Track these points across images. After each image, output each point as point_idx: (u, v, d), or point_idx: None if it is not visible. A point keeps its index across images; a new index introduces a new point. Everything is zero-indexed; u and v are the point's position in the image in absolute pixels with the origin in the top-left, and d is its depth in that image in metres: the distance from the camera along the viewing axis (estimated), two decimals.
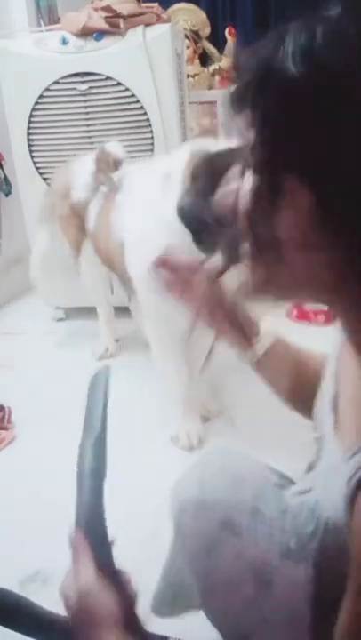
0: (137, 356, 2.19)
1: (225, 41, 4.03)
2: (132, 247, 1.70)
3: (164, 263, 0.85)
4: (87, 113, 2.39)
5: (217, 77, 3.83)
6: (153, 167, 1.70)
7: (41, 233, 2.34)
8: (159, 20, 2.34)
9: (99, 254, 2.01)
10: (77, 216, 2.07)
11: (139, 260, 1.62)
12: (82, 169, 2.07)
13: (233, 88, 0.53)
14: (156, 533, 1.35)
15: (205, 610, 0.83)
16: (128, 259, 1.72)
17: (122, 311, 2.37)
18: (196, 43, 3.74)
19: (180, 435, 1.75)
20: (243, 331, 0.87)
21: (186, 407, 1.79)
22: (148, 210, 1.58)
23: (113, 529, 0.77)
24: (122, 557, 0.74)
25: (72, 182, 2.08)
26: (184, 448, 1.73)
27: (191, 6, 3.79)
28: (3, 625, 0.74)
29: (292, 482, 0.81)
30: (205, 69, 3.83)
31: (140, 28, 2.28)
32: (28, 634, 0.75)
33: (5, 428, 1.89)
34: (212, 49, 4.00)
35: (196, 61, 3.75)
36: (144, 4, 2.39)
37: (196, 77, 3.64)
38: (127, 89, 2.31)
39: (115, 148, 2.06)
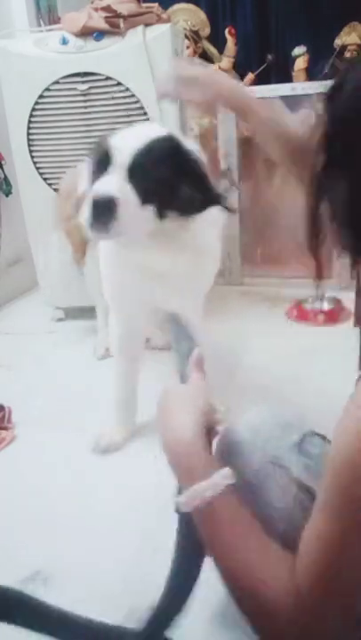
0: (101, 396, 2.13)
1: (225, 41, 4.04)
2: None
3: None
4: (87, 113, 2.39)
5: None
6: None
7: (53, 238, 2.36)
8: (159, 20, 2.34)
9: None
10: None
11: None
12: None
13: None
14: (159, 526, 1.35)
15: None
16: None
17: None
18: (196, 43, 3.74)
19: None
20: None
21: (117, 413, 1.82)
22: None
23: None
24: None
25: (78, 182, 2.08)
26: (89, 445, 1.74)
27: (191, 6, 3.79)
28: (9, 622, 0.74)
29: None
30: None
31: (140, 27, 2.28)
32: (35, 629, 0.75)
33: (5, 428, 1.89)
34: (212, 49, 4.00)
35: None
36: (144, 4, 2.39)
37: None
38: (127, 89, 2.31)
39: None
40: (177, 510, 0.74)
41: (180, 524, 0.84)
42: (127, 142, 1.30)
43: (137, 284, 1.55)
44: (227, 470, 0.72)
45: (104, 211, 1.25)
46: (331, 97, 0.72)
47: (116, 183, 1.27)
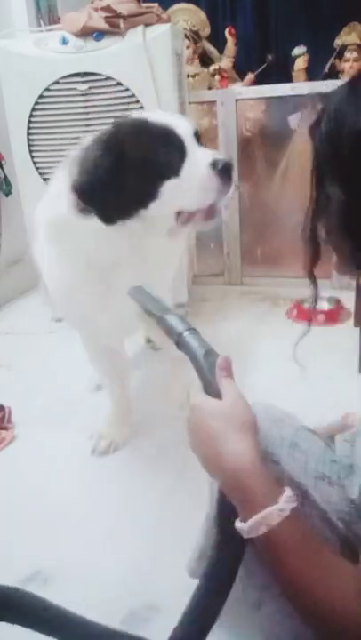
0: (102, 396, 2.10)
1: (225, 41, 4.04)
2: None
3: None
4: (87, 113, 2.39)
5: (217, 77, 3.83)
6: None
7: None
8: (159, 20, 2.34)
9: None
10: None
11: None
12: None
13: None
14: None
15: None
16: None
17: None
18: (196, 43, 3.74)
19: (95, 435, 1.77)
20: None
21: (115, 412, 1.81)
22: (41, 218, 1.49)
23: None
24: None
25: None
26: (89, 448, 1.74)
27: (191, 6, 3.79)
28: (12, 622, 0.74)
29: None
30: (205, 69, 3.83)
31: (140, 27, 2.28)
32: (36, 628, 0.75)
33: (5, 428, 1.88)
34: (212, 49, 4.00)
35: (196, 61, 3.75)
36: (144, 4, 2.39)
37: (196, 77, 3.64)
38: (127, 89, 2.31)
39: None
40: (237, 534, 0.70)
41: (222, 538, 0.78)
42: (180, 121, 1.35)
43: (97, 291, 1.46)
44: (290, 493, 0.69)
45: (229, 170, 1.29)
46: (316, 123, 0.79)
47: (213, 151, 1.33)
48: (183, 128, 1.32)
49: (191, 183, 1.28)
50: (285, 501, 0.68)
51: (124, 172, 1.26)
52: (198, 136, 1.35)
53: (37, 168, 2.54)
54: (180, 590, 1.23)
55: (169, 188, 1.29)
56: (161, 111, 1.40)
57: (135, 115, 1.40)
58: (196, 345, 0.84)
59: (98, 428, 1.79)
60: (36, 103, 2.41)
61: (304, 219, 0.80)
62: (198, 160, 1.29)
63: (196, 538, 1.09)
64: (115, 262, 1.40)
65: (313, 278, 0.86)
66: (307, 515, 0.78)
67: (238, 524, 0.69)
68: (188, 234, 1.60)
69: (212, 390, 0.79)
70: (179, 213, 1.35)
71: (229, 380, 0.80)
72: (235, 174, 1.31)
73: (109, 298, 1.44)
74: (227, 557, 0.76)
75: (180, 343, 0.86)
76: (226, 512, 0.74)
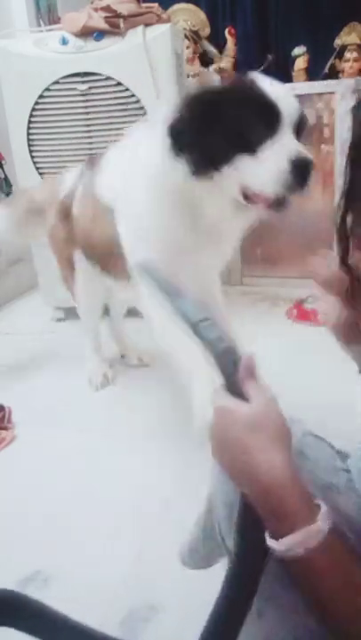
0: (134, 379, 2.18)
1: (225, 41, 4.04)
2: (122, 208, 1.61)
3: None
4: (87, 113, 2.39)
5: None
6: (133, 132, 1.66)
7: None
8: (159, 20, 2.34)
9: (80, 240, 1.88)
10: (65, 220, 1.92)
11: (131, 221, 1.57)
12: (70, 174, 1.98)
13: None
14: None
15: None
16: (119, 220, 1.62)
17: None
18: (196, 43, 3.74)
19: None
20: None
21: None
22: (134, 163, 1.53)
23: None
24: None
25: (58, 191, 1.98)
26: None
27: (191, 6, 3.79)
28: (11, 626, 0.74)
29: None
30: (205, 69, 3.83)
31: (140, 28, 2.28)
32: (35, 634, 0.74)
33: (5, 428, 1.88)
34: (212, 49, 4.00)
35: (196, 61, 3.75)
36: (144, 4, 2.39)
37: (196, 77, 3.64)
38: (127, 89, 2.31)
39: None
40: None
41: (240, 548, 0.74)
42: (291, 103, 1.28)
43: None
44: (325, 509, 0.65)
45: (308, 173, 1.25)
46: (357, 106, 0.75)
47: (301, 147, 1.27)
48: (289, 112, 1.26)
49: (262, 169, 1.25)
50: (323, 520, 0.63)
51: (215, 129, 1.26)
52: (303, 125, 1.30)
53: (37, 168, 2.54)
54: (180, 590, 1.23)
55: (242, 161, 1.27)
56: (271, 81, 1.32)
57: (252, 75, 1.34)
58: (217, 339, 0.76)
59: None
60: (36, 103, 2.41)
61: (336, 207, 0.78)
62: (281, 150, 1.24)
63: (189, 529, 1.09)
64: (199, 211, 1.42)
65: (347, 268, 0.83)
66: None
67: (272, 543, 0.64)
68: (252, 219, 1.57)
69: (238, 392, 0.71)
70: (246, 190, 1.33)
71: (257, 381, 0.73)
72: (313, 176, 1.27)
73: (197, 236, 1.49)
74: (249, 571, 0.72)
75: (198, 333, 0.78)
76: (251, 525, 0.69)
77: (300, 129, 1.30)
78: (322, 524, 0.63)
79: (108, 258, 1.75)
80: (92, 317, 2.18)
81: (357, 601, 0.62)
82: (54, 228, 1.99)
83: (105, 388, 2.13)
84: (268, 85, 1.28)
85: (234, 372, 0.72)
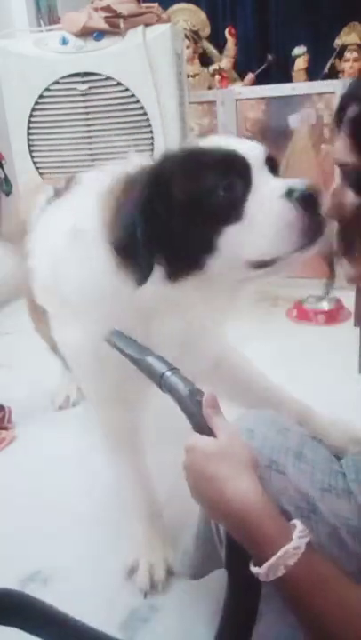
0: None
1: (225, 41, 4.04)
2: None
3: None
4: (87, 113, 2.39)
5: (217, 77, 3.83)
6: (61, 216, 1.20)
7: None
8: (159, 20, 2.34)
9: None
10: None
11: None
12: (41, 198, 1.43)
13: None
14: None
15: None
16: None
17: None
18: (196, 43, 3.74)
19: (140, 567, 1.27)
20: None
21: (150, 526, 1.32)
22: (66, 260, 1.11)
23: None
24: None
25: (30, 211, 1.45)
26: (142, 588, 1.24)
27: (191, 6, 3.79)
28: (14, 625, 0.74)
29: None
30: (205, 69, 3.83)
31: (140, 27, 2.28)
32: (39, 634, 0.74)
33: (5, 428, 1.88)
34: (212, 49, 4.00)
35: (196, 61, 3.75)
36: (144, 4, 2.39)
37: (197, 77, 3.64)
38: (127, 89, 2.31)
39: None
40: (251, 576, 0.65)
41: (230, 563, 0.76)
42: (248, 145, 1.01)
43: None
44: (301, 527, 0.66)
45: (316, 205, 0.90)
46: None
47: (284, 181, 0.95)
48: (249, 153, 0.97)
49: (260, 225, 0.93)
50: (299, 537, 0.64)
51: (171, 223, 0.95)
52: (274, 164, 1.01)
53: (37, 168, 2.54)
54: (180, 590, 1.23)
55: (231, 235, 0.94)
56: (220, 136, 1.05)
57: (188, 142, 1.08)
58: (180, 384, 0.81)
59: (132, 559, 1.30)
60: (36, 103, 2.42)
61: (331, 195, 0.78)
62: (267, 193, 0.93)
63: (185, 541, 1.09)
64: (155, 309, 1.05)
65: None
66: (316, 532, 0.76)
67: (254, 569, 0.65)
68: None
69: (203, 429, 0.76)
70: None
71: (220, 416, 0.76)
72: (325, 206, 0.89)
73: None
74: (244, 603, 0.73)
75: (164, 384, 0.83)
76: (236, 556, 0.70)
77: (273, 167, 1.00)
78: (298, 540, 0.64)
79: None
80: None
81: (341, 616, 0.62)
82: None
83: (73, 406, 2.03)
84: (216, 141, 1.01)
85: (199, 412, 0.76)
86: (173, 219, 0.94)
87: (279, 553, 0.63)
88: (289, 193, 0.91)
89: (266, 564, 0.63)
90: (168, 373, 0.83)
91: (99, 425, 1.31)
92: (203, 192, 0.93)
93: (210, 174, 0.94)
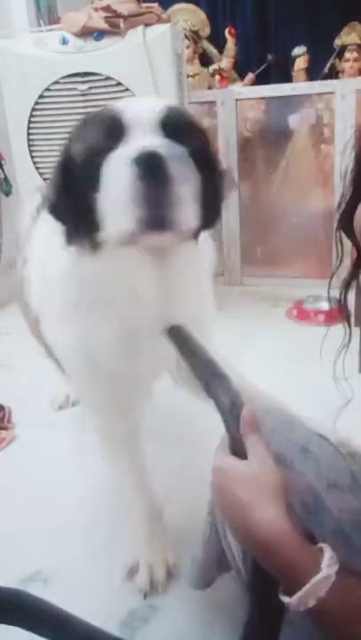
0: None
1: (225, 41, 4.04)
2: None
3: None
4: (87, 113, 2.39)
5: (217, 77, 3.83)
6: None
7: None
8: (159, 20, 2.34)
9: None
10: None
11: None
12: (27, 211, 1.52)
13: None
14: None
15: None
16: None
17: None
18: (196, 43, 3.74)
19: (140, 567, 1.26)
20: None
21: (150, 527, 1.30)
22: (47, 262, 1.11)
23: None
24: None
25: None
26: (142, 588, 1.23)
27: (191, 6, 3.79)
28: (15, 624, 0.74)
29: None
30: (205, 69, 3.83)
31: (140, 28, 2.28)
32: (42, 633, 0.74)
33: (5, 428, 1.88)
34: (212, 49, 4.00)
35: (196, 61, 3.75)
36: (144, 4, 2.39)
37: (196, 77, 3.64)
38: (127, 89, 2.31)
39: None
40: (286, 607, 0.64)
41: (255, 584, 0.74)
42: (145, 105, 0.90)
43: (115, 350, 1.05)
44: (329, 554, 0.64)
45: (156, 180, 0.77)
46: None
47: (156, 141, 0.83)
48: (136, 114, 0.86)
49: (105, 196, 0.83)
50: (328, 565, 0.63)
51: (71, 182, 0.89)
52: (174, 126, 0.86)
53: (37, 168, 2.54)
54: (180, 590, 1.23)
55: (103, 202, 0.84)
56: (151, 96, 1.00)
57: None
58: (223, 395, 0.77)
59: (133, 560, 1.29)
60: (36, 103, 2.42)
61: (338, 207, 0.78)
62: (119, 158, 0.81)
63: (195, 554, 1.09)
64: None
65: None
66: (322, 527, 0.75)
67: (285, 599, 0.64)
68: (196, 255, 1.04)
69: (238, 448, 0.73)
70: None
71: (255, 437, 0.74)
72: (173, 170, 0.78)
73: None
74: (269, 628, 0.72)
75: (208, 391, 0.79)
76: (263, 581, 0.70)
77: (175, 129, 0.86)
78: (327, 570, 0.62)
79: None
80: None
81: None
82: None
83: (73, 406, 2.02)
84: (128, 101, 0.96)
85: (236, 428, 0.74)
86: (72, 181, 0.89)
87: (309, 585, 0.61)
88: (138, 159, 0.78)
89: (296, 596, 0.62)
90: (214, 380, 0.79)
91: (94, 429, 1.29)
92: (81, 154, 0.87)
93: (89, 136, 0.88)
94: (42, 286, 1.15)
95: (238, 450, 0.73)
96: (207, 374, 0.80)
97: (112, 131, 0.85)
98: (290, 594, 0.63)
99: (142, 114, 0.86)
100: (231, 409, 0.75)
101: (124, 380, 1.12)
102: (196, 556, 1.09)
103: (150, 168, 0.77)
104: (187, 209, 0.81)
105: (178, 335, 0.91)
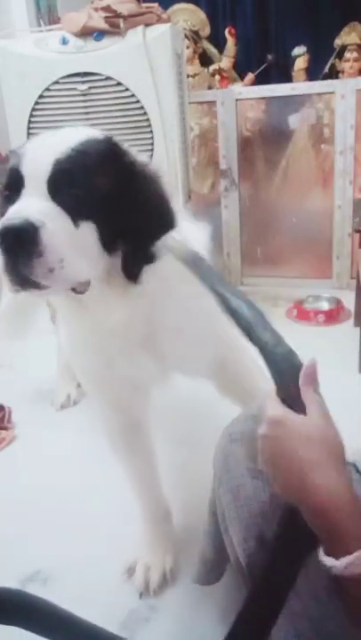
0: None
1: (225, 41, 4.04)
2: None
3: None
4: (87, 113, 2.39)
5: (217, 77, 3.83)
6: None
7: None
8: (159, 20, 2.34)
9: None
10: None
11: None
12: None
13: None
14: None
15: (247, 535, 0.86)
16: None
17: None
18: (196, 43, 3.74)
19: (137, 568, 1.28)
20: None
21: (153, 528, 1.33)
22: None
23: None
24: None
25: None
26: (138, 588, 1.26)
27: (191, 6, 3.79)
28: (16, 625, 0.74)
29: None
30: (205, 69, 3.83)
31: (140, 27, 2.28)
32: (44, 634, 0.74)
33: (5, 428, 1.89)
34: (212, 49, 4.00)
35: (196, 61, 3.75)
36: (144, 4, 2.39)
37: (196, 77, 3.64)
38: (127, 89, 2.31)
39: None
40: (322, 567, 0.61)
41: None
42: (43, 148, 0.90)
43: (114, 355, 1.08)
44: None
45: (21, 247, 0.82)
46: None
47: (33, 205, 0.86)
48: (29, 167, 0.88)
49: None
50: None
51: None
52: (65, 182, 0.87)
53: None
54: (180, 590, 1.23)
55: None
56: (68, 130, 0.96)
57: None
58: (272, 339, 0.69)
59: (132, 559, 1.32)
60: (36, 103, 2.41)
61: None
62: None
63: (201, 550, 1.09)
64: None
65: None
66: None
67: (327, 560, 0.61)
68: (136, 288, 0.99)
69: (292, 401, 0.66)
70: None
71: (317, 392, 0.68)
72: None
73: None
74: (262, 625, 0.68)
75: (251, 335, 0.71)
76: (293, 537, 0.66)
77: (60, 178, 0.87)
78: None
79: None
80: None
81: None
82: None
83: (74, 405, 2.04)
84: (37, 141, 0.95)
85: (290, 379, 0.67)
86: None
87: (358, 554, 0.59)
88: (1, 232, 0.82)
89: (345, 560, 0.59)
90: (258, 325, 0.71)
91: (101, 423, 1.30)
92: None
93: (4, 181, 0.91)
94: None
95: (293, 404, 0.66)
96: (247, 317, 0.71)
97: (11, 184, 0.89)
98: (335, 558, 0.61)
99: (33, 170, 0.88)
100: (285, 356, 0.67)
101: (120, 384, 1.14)
102: (202, 552, 1.10)
103: (10, 242, 0.81)
104: (62, 269, 0.85)
105: (204, 269, 0.85)
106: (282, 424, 0.66)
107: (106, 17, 2.28)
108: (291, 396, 0.65)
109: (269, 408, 0.68)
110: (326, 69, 3.91)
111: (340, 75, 3.82)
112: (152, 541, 1.31)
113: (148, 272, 0.96)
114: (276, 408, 0.67)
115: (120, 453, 1.31)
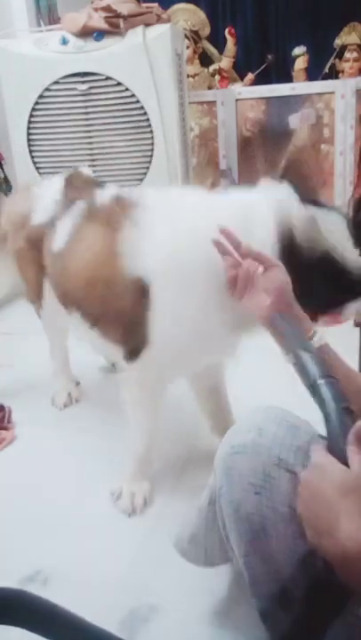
0: (102, 396, 2.06)
1: (225, 41, 4.04)
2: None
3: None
4: (87, 113, 2.40)
5: (217, 77, 3.83)
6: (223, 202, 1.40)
7: None
8: (159, 20, 2.34)
9: (57, 286, 1.63)
10: (35, 248, 1.68)
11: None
12: (47, 190, 1.71)
13: None
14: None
15: (249, 550, 0.88)
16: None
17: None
18: (196, 43, 3.74)
19: (124, 494, 1.51)
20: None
21: (139, 464, 1.55)
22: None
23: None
24: None
25: (33, 206, 1.71)
26: (124, 510, 1.48)
27: (191, 6, 3.80)
28: (17, 625, 0.74)
29: None
30: (205, 69, 3.83)
31: (140, 27, 2.28)
32: (45, 634, 0.74)
33: (5, 428, 1.88)
34: (212, 49, 4.00)
35: (196, 61, 3.76)
36: (144, 4, 2.40)
37: (196, 77, 3.64)
38: (127, 89, 2.32)
39: (87, 170, 1.82)
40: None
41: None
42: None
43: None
44: None
45: None
46: None
47: None
48: None
49: None
50: None
51: None
52: None
53: (37, 168, 2.54)
54: (180, 590, 1.23)
55: None
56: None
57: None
58: (332, 398, 0.75)
59: (117, 486, 1.53)
60: (36, 103, 2.42)
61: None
62: None
63: (188, 516, 1.09)
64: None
65: None
66: None
67: None
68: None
69: (338, 453, 0.69)
70: None
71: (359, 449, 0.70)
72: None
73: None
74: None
75: (314, 391, 0.77)
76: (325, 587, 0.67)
77: None
78: None
79: (109, 324, 1.49)
80: (57, 341, 2.08)
81: None
82: (21, 251, 1.76)
83: (74, 404, 2.04)
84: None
85: (341, 435, 0.70)
86: None
87: None
88: None
89: None
90: (321, 381, 0.77)
91: (136, 384, 1.48)
92: None
93: None
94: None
95: (339, 457, 0.70)
96: (312, 374, 0.78)
97: None
98: None
99: None
100: (339, 415, 0.73)
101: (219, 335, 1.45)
102: (196, 534, 1.09)
103: None
104: None
105: (281, 321, 1.07)
106: (324, 470, 0.69)
107: (106, 17, 2.28)
108: (339, 451, 0.70)
109: (315, 454, 0.72)
110: (326, 69, 3.90)
111: (340, 75, 3.82)
112: (135, 474, 1.54)
113: None
114: (321, 455, 0.71)
115: (145, 408, 1.52)
